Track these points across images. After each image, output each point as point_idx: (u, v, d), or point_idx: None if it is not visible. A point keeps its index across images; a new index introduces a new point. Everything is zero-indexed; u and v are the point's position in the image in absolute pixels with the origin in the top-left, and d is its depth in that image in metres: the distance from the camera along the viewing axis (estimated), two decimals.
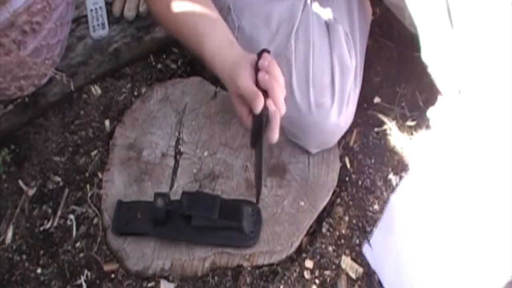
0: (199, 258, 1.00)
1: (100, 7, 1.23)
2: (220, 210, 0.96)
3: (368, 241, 1.05)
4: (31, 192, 1.11)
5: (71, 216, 1.09)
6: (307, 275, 1.03)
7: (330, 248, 1.06)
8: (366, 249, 1.05)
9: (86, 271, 1.03)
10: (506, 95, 0.97)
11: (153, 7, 0.98)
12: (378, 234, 1.04)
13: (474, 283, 0.91)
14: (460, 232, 0.93)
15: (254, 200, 0.97)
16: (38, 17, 0.93)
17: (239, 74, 0.85)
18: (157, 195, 0.97)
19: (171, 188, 1.06)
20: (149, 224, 1.00)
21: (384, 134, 1.18)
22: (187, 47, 0.97)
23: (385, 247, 1.03)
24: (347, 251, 1.06)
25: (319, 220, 1.07)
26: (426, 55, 1.09)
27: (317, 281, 1.03)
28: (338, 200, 1.11)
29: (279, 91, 0.82)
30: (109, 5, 1.24)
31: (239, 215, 0.99)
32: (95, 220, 1.08)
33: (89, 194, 1.10)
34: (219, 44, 0.91)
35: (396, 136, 1.18)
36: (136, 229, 1.01)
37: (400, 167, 1.14)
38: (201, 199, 0.99)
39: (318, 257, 1.05)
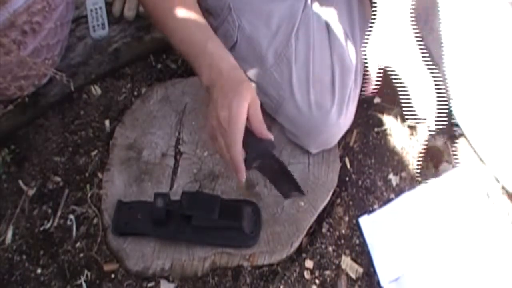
0: (199, 258, 1.00)
1: (100, 7, 1.23)
2: (220, 210, 0.96)
3: (369, 213, 1.08)
4: (31, 192, 1.11)
5: (71, 216, 1.09)
6: (307, 275, 1.03)
7: (330, 248, 1.06)
8: (363, 221, 1.06)
9: (86, 271, 1.03)
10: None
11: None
12: (379, 214, 1.08)
13: None
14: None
15: (255, 200, 0.98)
16: (38, 17, 0.93)
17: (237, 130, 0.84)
18: (157, 195, 0.97)
19: (171, 188, 1.06)
20: (149, 224, 0.99)
21: (384, 134, 1.18)
22: (177, 44, 0.94)
23: (383, 227, 1.07)
24: (347, 251, 1.06)
25: (319, 220, 1.07)
26: None
27: (317, 281, 1.03)
28: (338, 200, 1.11)
29: None
30: (109, 5, 1.24)
31: (239, 215, 0.99)
32: (95, 220, 1.08)
33: (89, 194, 1.10)
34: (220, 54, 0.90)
35: (396, 136, 1.18)
36: (136, 229, 1.01)
37: (400, 167, 1.14)
38: (201, 199, 0.99)
39: (318, 257, 1.05)
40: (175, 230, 0.99)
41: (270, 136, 0.88)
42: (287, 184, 0.96)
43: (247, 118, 0.85)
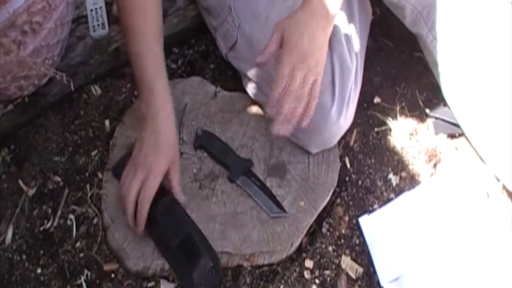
0: None
1: (100, 7, 1.23)
2: (183, 241, 0.95)
3: (369, 213, 1.08)
4: (31, 192, 1.11)
5: (71, 216, 1.09)
6: (307, 275, 1.04)
7: (330, 248, 1.06)
8: (363, 221, 1.06)
9: (86, 271, 1.03)
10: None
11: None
12: (379, 214, 1.08)
13: None
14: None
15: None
16: (38, 17, 0.93)
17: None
18: None
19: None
20: None
21: (384, 134, 1.18)
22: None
23: (383, 227, 1.07)
24: (347, 251, 1.06)
25: (319, 220, 1.07)
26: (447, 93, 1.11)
27: (317, 281, 1.03)
28: (338, 200, 1.11)
29: None
30: (109, 5, 1.24)
31: (194, 261, 0.95)
32: (95, 220, 1.08)
33: (89, 194, 1.10)
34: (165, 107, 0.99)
35: (396, 136, 1.18)
36: None
37: (400, 167, 1.14)
38: (175, 215, 0.98)
39: (318, 257, 1.05)
40: (151, 221, 0.98)
41: (183, 198, 1.00)
42: (270, 200, 1.03)
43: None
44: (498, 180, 1.10)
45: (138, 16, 0.98)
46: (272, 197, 1.04)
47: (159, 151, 0.96)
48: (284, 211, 1.03)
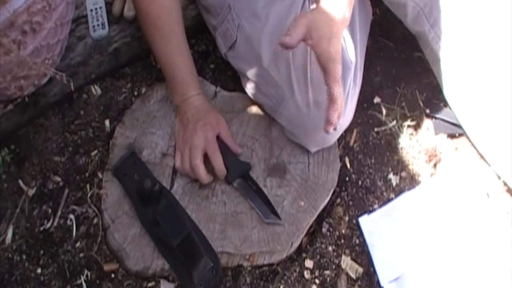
0: None
1: (100, 7, 1.23)
2: (183, 241, 0.96)
3: (369, 213, 1.08)
4: (31, 192, 1.11)
5: (71, 216, 1.09)
6: (307, 275, 1.04)
7: (330, 248, 1.06)
8: (363, 221, 1.06)
9: (86, 271, 1.03)
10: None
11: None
12: (379, 214, 1.08)
13: None
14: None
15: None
16: (38, 17, 0.93)
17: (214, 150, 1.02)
18: (149, 177, 1.01)
19: (171, 188, 1.06)
20: (136, 191, 1.02)
21: (384, 134, 1.18)
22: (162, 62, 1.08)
23: (383, 227, 1.07)
24: (347, 251, 1.06)
25: (319, 220, 1.08)
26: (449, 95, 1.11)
27: (317, 281, 1.03)
28: (338, 200, 1.11)
29: None
30: (109, 5, 1.24)
31: (194, 260, 0.96)
32: (95, 220, 1.08)
33: (89, 194, 1.10)
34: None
35: (396, 136, 1.18)
36: (126, 187, 1.04)
37: (400, 167, 1.14)
38: (176, 216, 0.99)
39: (318, 257, 1.05)
40: (151, 221, 0.99)
41: (240, 150, 1.07)
42: (265, 206, 1.02)
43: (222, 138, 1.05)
44: (499, 178, 1.10)
45: (164, 18, 1.06)
46: (267, 202, 1.03)
47: (204, 117, 1.04)
48: (279, 217, 1.02)
